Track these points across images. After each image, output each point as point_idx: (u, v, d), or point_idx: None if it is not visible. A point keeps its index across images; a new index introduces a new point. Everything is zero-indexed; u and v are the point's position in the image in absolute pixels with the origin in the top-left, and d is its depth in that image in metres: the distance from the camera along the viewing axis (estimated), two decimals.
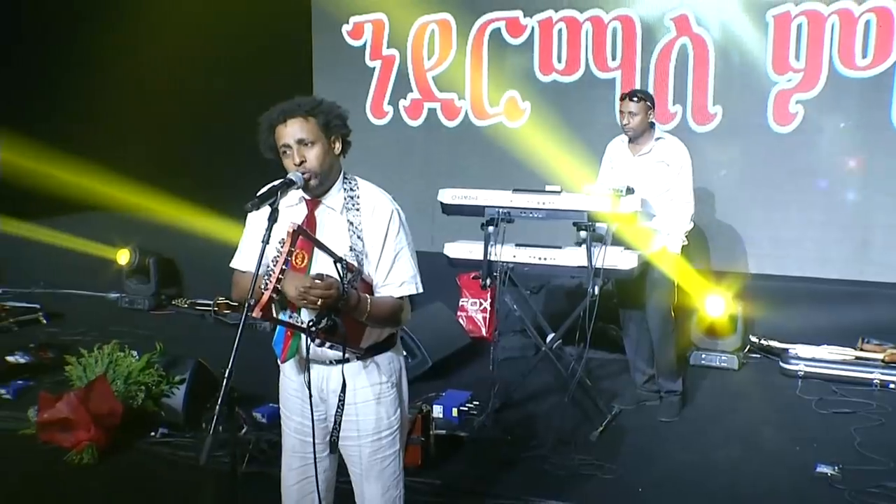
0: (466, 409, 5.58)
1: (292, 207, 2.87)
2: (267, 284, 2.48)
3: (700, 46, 7.41)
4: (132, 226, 8.85)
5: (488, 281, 5.42)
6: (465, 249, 5.56)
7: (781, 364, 6.50)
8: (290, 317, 2.76)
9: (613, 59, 7.74)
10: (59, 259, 9.00)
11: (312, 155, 2.75)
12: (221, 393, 2.45)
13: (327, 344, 2.71)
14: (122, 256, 8.76)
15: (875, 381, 6.13)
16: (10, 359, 6.57)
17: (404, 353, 6.05)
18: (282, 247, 2.51)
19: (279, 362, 2.92)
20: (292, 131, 2.76)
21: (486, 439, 5.19)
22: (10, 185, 8.28)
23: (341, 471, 3.10)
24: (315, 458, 2.84)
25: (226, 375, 2.47)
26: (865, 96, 6.96)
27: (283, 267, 2.49)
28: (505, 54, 8.20)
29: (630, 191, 5.15)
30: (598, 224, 5.19)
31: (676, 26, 7.46)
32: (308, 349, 2.79)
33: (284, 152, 2.78)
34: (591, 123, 7.53)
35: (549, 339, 5.64)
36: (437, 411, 5.52)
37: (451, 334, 6.86)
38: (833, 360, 6.36)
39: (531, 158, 7.49)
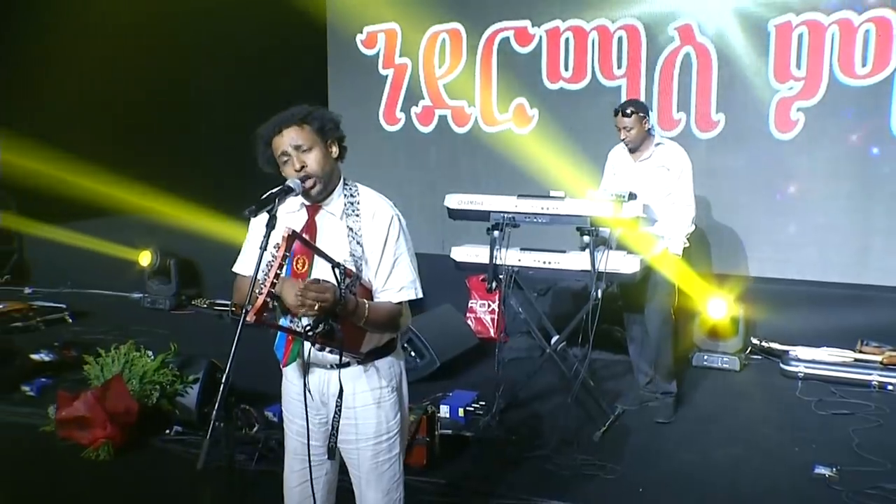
0: (472, 409, 5.53)
1: (293, 214, 2.81)
2: (262, 289, 2.41)
3: (703, 55, 7.34)
4: (154, 229, 8.84)
5: (494, 284, 5.35)
6: (471, 253, 5.49)
7: (782, 365, 6.40)
8: (291, 321, 2.70)
9: (619, 67, 7.69)
10: (85, 261, 9.00)
11: (311, 159, 2.70)
12: (219, 398, 2.39)
13: (327, 348, 2.64)
14: (144, 258, 8.77)
15: (873, 383, 6.02)
16: (34, 357, 6.54)
17: (413, 353, 6.15)
18: (277, 252, 2.44)
19: (281, 366, 2.86)
20: (289, 139, 2.70)
21: (491, 439, 5.11)
22: (39, 191, 8.29)
23: (343, 470, 3.03)
24: (310, 461, 2.79)
25: (223, 381, 2.42)
26: (865, 104, 6.88)
27: (278, 272, 2.42)
28: (513, 63, 8.16)
29: (632, 196, 5.06)
30: (601, 229, 5.12)
31: (680, 35, 7.40)
32: (309, 353, 2.74)
33: (284, 161, 2.72)
34: (597, 130, 7.41)
35: (553, 341, 5.56)
36: (444, 411, 5.48)
37: (459, 335, 6.79)
38: (832, 361, 6.25)
39: (539, 164, 7.43)
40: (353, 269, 2.68)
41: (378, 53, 8.74)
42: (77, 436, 4.92)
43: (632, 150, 5.55)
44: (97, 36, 8.98)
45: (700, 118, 7.43)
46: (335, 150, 2.79)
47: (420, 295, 2.84)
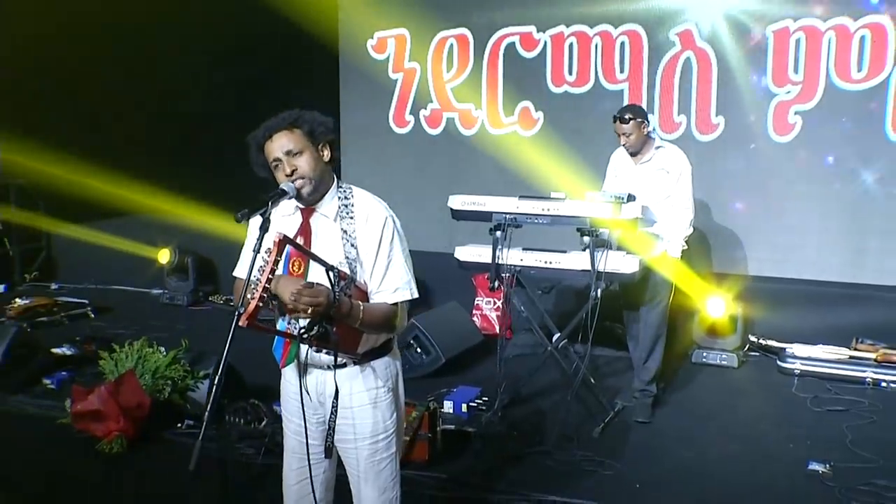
0: (476, 404, 5.48)
1: (288, 217, 2.76)
2: (254, 294, 2.36)
3: (703, 60, 7.27)
4: (173, 228, 8.81)
5: (496, 283, 5.30)
6: (474, 253, 5.43)
7: (779, 363, 6.32)
8: (290, 323, 2.65)
9: (621, 71, 7.64)
10: (108, 258, 8.99)
11: (303, 162, 2.64)
12: (210, 401, 2.35)
13: (324, 350, 2.60)
14: (164, 256, 8.76)
15: (867, 380, 5.94)
16: (56, 350, 6.55)
17: (419, 350, 6.11)
18: (268, 256, 2.38)
19: (279, 367, 2.81)
20: (279, 144, 2.65)
21: (492, 434, 5.05)
22: (65, 193, 8.28)
23: (342, 468, 2.98)
24: (309, 461, 2.74)
25: (215, 383, 2.37)
26: (860, 107, 6.81)
27: (270, 276, 2.36)
28: (519, 67, 8.12)
29: (631, 198, 4.99)
30: (601, 229, 5.05)
31: (681, 41, 7.34)
32: (306, 354, 2.69)
33: (276, 166, 2.67)
34: (600, 132, 7.35)
35: (555, 338, 5.50)
36: (448, 407, 5.43)
37: (464, 332, 6.72)
38: (828, 359, 6.18)
39: (543, 166, 7.36)
40: (348, 272, 2.62)
41: (388, 58, 8.70)
42: (92, 428, 4.88)
43: (632, 154, 5.48)
44: (113, 42, 8.98)
45: (700, 121, 7.37)
46: (326, 153, 2.73)
47: (415, 295, 2.78)
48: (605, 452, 4.80)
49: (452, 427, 5.07)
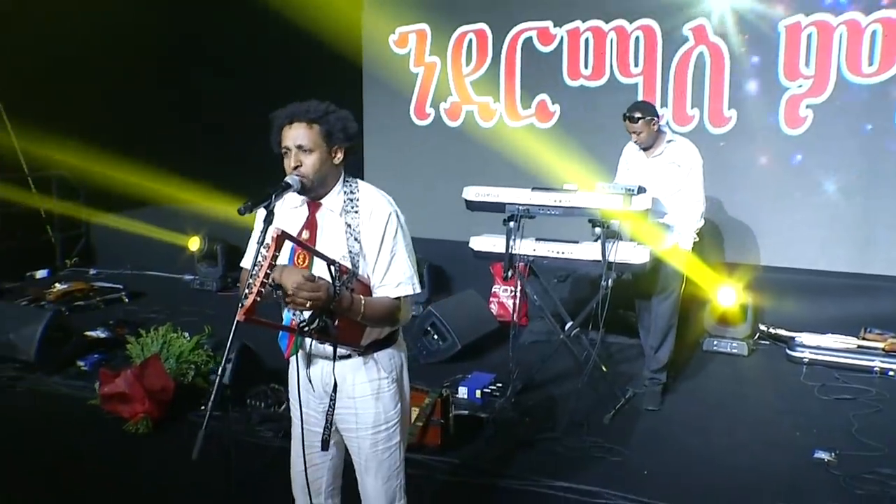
0: (490, 390, 5.40)
1: (295, 209, 2.68)
2: (251, 288, 2.28)
3: (716, 54, 7.11)
4: (203, 217, 8.79)
5: (510, 273, 5.20)
6: (489, 243, 5.35)
7: (788, 351, 6.19)
8: (294, 315, 2.57)
9: (636, 65, 7.49)
10: (142, 245, 9.05)
11: (309, 161, 2.55)
12: (213, 392, 2.29)
13: (326, 342, 2.52)
14: (194, 243, 8.76)
15: (875, 369, 5.82)
16: (90, 334, 6.56)
17: (435, 336, 6.03)
18: (267, 252, 2.30)
19: (284, 358, 2.74)
20: (294, 135, 2.55)
21: (505, 420, 4.97)
22: (103, 185, 8.37)
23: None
24: (304, 450, 2.68)
25: (219, 374, 2.31)
26: (871, 101, 6.62)
27: (268, 272, 2.28)
28: (536, 61, 7.98)
29: (641, 190, 4.88)
30: (612, 221, 4.94)
31: (694, 35, 7.17)
32: (310, 346, 2.62)
33: (285, 153, 2.58)
34: (614, 125, 7.15)
35: (567, 327, 5.40)
36: (462, 392, 5.36)
37: (480, 319, 6.63)
38: (837, 348, 6.05)
39: (559, 158, 7.23)
40: (349, 267, 2.54)
41: (409, 53, 8.60)
42: (119, 409, 4.89)
43: (644, 149, 5.34)
44: (147, 44, 9.00)
45: (713, 114, 7.20)
46: (339, 156, 2.62)
47: (418, 290, 2.69)
48: (615, 439, 4.71)
49: (466, 412, 5.00)
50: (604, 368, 5.43)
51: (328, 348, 2.58)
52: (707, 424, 5.03)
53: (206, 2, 8.91)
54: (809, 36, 6.72)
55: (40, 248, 9.40)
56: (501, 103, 8.21)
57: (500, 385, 5.44)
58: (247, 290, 2.27)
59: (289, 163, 2.57)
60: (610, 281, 4.92)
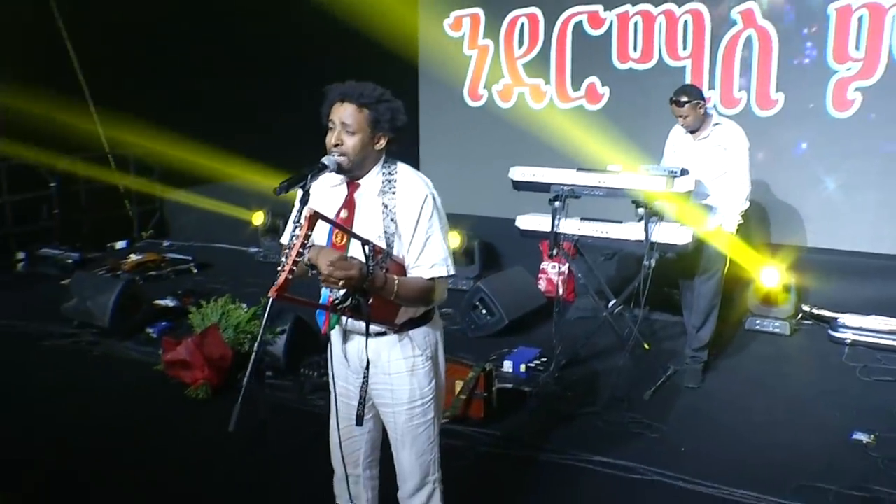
0: (534, 365, 5.31)
1: (335, 188, 2.61)
2: (283, 266, 2.21)
3: (765, 38, 6.83)
4: (266, 194, 8.79)
5: (555, 251, 5.08)
6: (535, 221, 5.24)
7: (830, 332, 5.93)
8: (331, 293, 2.51)
9: (684, 48, 7.26)
10: (212, 220, 9.09)
11: (350, 142, 2.47)
12: (250, 365, 2.25)
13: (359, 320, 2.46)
14: (258, 218, 8.81)
15: None
16: (159, 302, 6.63)
17: (484, 311, 5.94)
18: (300, 231, 2.23)
19: (321, 333, 2.69)
20: (342, 114, 2.47)
21: (547, 394, 4.87)
22: (175, 163, 8.47)
23: None
24: (340, 422, 2.65)
25: (255, 349, 2.27)
26: None
27: (300, 251, 2.21)
28: (586, 44, 7.80)
29: (684, 172, 4.70)
30: (655, 202, 4.78)
31: (743, 19, 6.91)
32: (346, 322, 2.55)
33: (330, 127, 2.51)
34: (662, 108, 6.95)
35: (610, 304, 5.27)
36: (508, 366, 5.29)
37: (528, 295, 6.51)
38: (880, 329, 5.76)
39: (607, 139, 7.02)
40: (384, 247, 2.46)
41: (463, 36, 8.48)
42: (181, 375, 4.94)
43: (690, 132, 5.15)
44: (218, 32, 9.05)
45: (760, 97, 6.93)
46: (381, 143, 2.53)
47: (452, 272, 2.59)
48: (654, 415, 4.59)
49: (510, 386, 4.93)
50: (646, 346, 5.30)
51: (363, 325, 2.51)
52: (746, 402, 4.86)
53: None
54: (860, 18, 6.39)
55: (120, 221, 9.56)
56: (552, 85, 8.05)
57: (544, 360, 5.35)
58: (279, 269, 2.21)
59: (330, 138, 2.50)
60: (652, 261, 4.79)
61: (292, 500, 3.75)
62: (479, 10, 8.32)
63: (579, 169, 4.93)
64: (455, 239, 7.48)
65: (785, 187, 6.91)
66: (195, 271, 8.13)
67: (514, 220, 5.39)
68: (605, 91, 7.77)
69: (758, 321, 6.18)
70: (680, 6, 7.18)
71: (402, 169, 2.59)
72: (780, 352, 5.79)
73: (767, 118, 6.90)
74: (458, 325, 6.16)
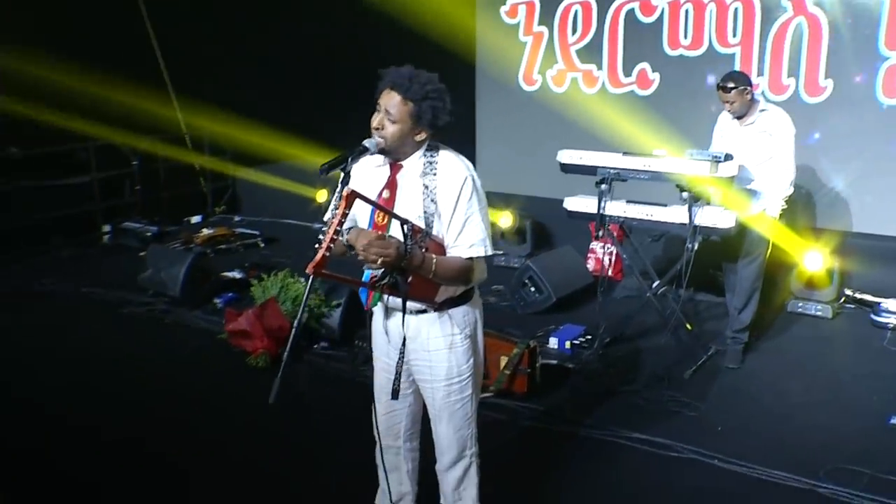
0: (579, 342, 5.23)
1: (379, 168, 2.58)
2: (320, 243, 2.19)
3: (815, 25, 6.56)
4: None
5: (601, 232, 4.98)
6: (582, 203, 5.13)
7: (873, 316, 5.71)
8: (373, 271, 2.48)
9: (734, 36, 7.02)
10: (279, 197, 9.12)
11: (390, 130, 2.43)
12: (290, 341, 2.24)
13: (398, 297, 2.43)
14: (321, 195, 8.84)
15: None
16: (227, 274, 6.70)
17: (533, 289, 5.87)
18: (338, 210, 2.20)
19: (364, 309, 2.67)
20: (388, 101, 2.43)
21: (590, 371, 4.80)
22: (246, 143, 8.59)
23: None
24: (382, 396, 2.62)
25: (295, 325, 2.26)
26: None
27: (337, 228, 2.19)
28: (637, 31, 7.61)
29: (728, 157, 4.54)
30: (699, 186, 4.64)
31: (793, 6, 6.65)
32: (388, 298, 2.53)
33: (376, 110, 2.48)
34: (711, 93, 6.79)
35: (654, 285, 5.15)
36: (553, 343, 5.22)
37: (576, 273, 6.40)
38: None
39: (658, 124, 6.85)
40: (423, 227, 2.42)
41: (519, 23, 8.35)
42: (243, 344, 4.98)
43: (737, 118, 4.97)
44: (285, 23, 9.11)
45: (809, 84, 6.66)
46: (421, 136, 2.48)
47: (490, 252, 2.53)
48: (693, 394, 4.48)
49: (554, 362, 4.87)
50: (688, 326, 5.16)
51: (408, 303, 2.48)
52: (785, 384, 4.72)
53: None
54: None
55: (195, 197, 9.72)
56: (604, 71, 7.89)
57: (589, 337, 5.26)
58: (316, 245, 2.18)
59: (374, 120, 2.47)
60: (695, 244, 4.67)
61: (339, 465, 3.76)
62: None
63: (625, 153, 4.82)
64: (507, 218, 7.41)
65: (831, 173, 6.66)
66: (262, 245, 8.20)
67: (563, 201, 5.30)
68: (655, 77, 7.58)
69: (800, 304, 5.98)
70: None
71: (444, 152, 2.55)
72: (822, 335, 5.60)
73: (816, 104, 6.64)
74: (508, 302, 6.11)
